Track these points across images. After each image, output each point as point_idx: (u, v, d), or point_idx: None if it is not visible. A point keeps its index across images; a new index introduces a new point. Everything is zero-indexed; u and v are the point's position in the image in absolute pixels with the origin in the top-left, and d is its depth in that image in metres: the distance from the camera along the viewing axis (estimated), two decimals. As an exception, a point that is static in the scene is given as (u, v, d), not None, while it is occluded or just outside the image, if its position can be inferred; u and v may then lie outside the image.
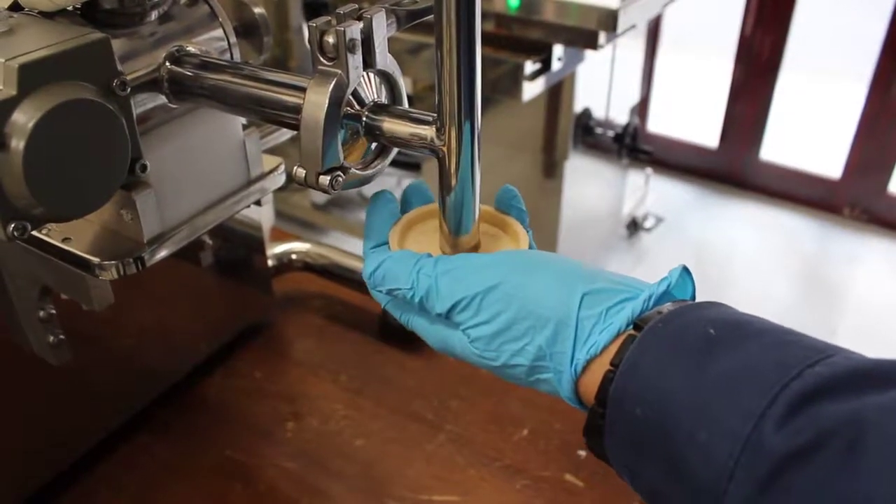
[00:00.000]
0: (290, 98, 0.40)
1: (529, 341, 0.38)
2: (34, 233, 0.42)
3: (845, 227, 2.47)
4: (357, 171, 0.41)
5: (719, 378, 0.32)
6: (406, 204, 0.47)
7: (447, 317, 0.40)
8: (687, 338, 0.34)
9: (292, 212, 2.32)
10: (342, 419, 0.72)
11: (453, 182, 0.40)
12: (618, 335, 0.36)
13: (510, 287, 0.38)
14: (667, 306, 0.36)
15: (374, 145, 0.43)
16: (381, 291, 0.43)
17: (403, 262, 0.41)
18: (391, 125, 0.40)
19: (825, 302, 2.17)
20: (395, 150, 0.43)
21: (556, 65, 1.48)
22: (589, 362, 0.36)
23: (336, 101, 0.37)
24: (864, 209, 2.47)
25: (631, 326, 0.36)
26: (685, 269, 0.39)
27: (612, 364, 0.35)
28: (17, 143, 0.34)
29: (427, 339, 0.43)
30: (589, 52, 1.55)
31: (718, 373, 0.32)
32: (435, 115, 0.39)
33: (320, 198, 2.31)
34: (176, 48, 0.45)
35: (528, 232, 0.45)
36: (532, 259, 0.40)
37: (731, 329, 0.34)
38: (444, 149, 0.39)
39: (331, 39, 0.37)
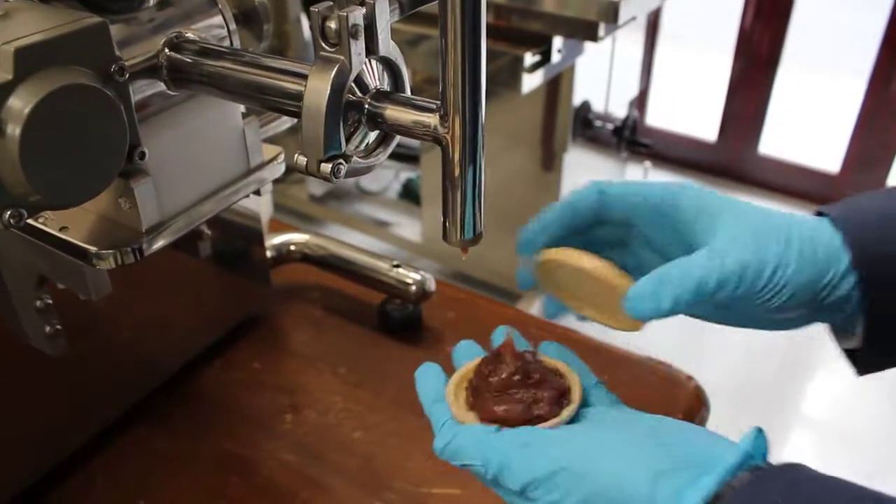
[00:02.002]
0: (291, 85, 0.40)
1: None
2: (31, 221, 0.42)
3: (843, 222, 2.47)
4: (359, 160, 0.41)
5: None
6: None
7: (521, 494, 0.41)
8: None
9: (290, 204, 2.32)
10: (341, 411, 0.72)
11: (457, 172, 0.39)
12: None
13: (579, 468, 0.39)
14: (739, 480, 0.36)
15: (375, 134, 0.42)
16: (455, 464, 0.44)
17: (472, 437, 0.43)
18: (394, 112, 0.39)
19: (823, 296, 2.17)
20: (397, 139, 0.43)
21: (555, 57, 1.47)
22: None
23: (338, 87, 0.37)
24: (862, 204, 2.47)
25: None
26: (759, 431, 0.38)
27: None
28: (13, 129, 0.34)
29: None
30: (588, 45, 1.54)
31: None
32: (438, 102, 0.38)
33: (318, 190, 2.31)
34: (175, 34, 0.44)
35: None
36: (599, 434, 0.41)
37: None
38: (448, 137, 0.38)
39: (333, 25, 0.36)
